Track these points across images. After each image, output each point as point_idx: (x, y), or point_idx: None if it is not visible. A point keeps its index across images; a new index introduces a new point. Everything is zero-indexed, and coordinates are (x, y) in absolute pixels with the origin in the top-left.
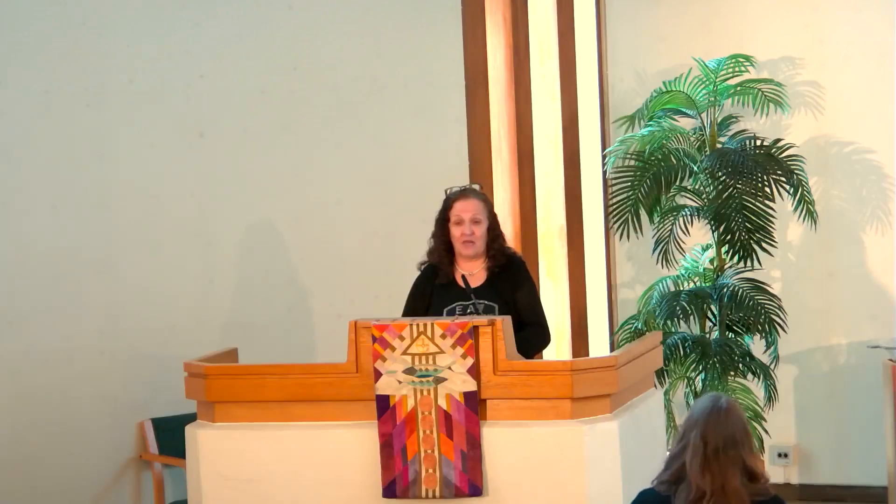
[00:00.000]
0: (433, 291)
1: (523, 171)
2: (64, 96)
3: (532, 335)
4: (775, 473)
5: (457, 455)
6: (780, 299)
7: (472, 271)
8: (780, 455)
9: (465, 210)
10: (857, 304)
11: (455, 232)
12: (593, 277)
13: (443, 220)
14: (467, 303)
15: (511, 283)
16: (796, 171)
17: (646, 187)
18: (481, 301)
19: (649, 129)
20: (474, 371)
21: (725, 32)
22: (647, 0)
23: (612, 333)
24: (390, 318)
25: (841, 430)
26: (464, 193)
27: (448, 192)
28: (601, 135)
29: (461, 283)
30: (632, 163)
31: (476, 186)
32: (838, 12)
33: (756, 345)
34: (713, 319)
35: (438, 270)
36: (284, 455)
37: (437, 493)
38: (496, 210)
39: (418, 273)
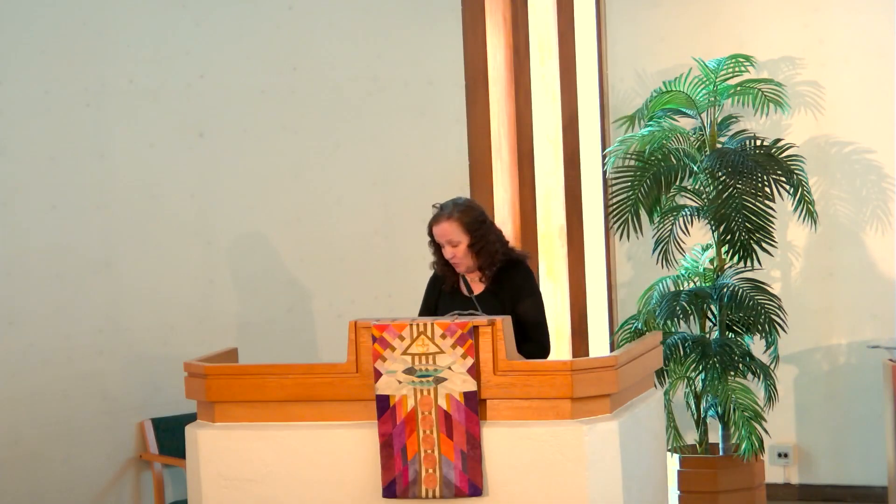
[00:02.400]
0: (440, 295)
1: (523, 171)
2: (64, 96)
3: (529, 353)
4: (775, 473)
5: (457, 455)
6: (780, 299)
7: (474, 278)
8: (780, 455)
9: (440, 235)
10: (857, 304)
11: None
12: (593, 277)
13: (432, 239)
14: (465, 312)
15: (511, 294)
16: (796, 171)
17: (646, 187)
18: (477, 312)
19: (649, 129)
20: (474, 371)
21: (725, 32)
22: (647, 0)
23: (612, 333)
24: (390, 318)
25: (841, 430)
26: (436, 218)
27: (434, 207)
28: (601, 135)
29: (464, 291)
30: (632, 163)
31: (455, 201)
32: (838, 12)
33: (756, 345)
34: (713, 319)
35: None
36: (284, 455)
37: (437, 493)
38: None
39: (432, 272)
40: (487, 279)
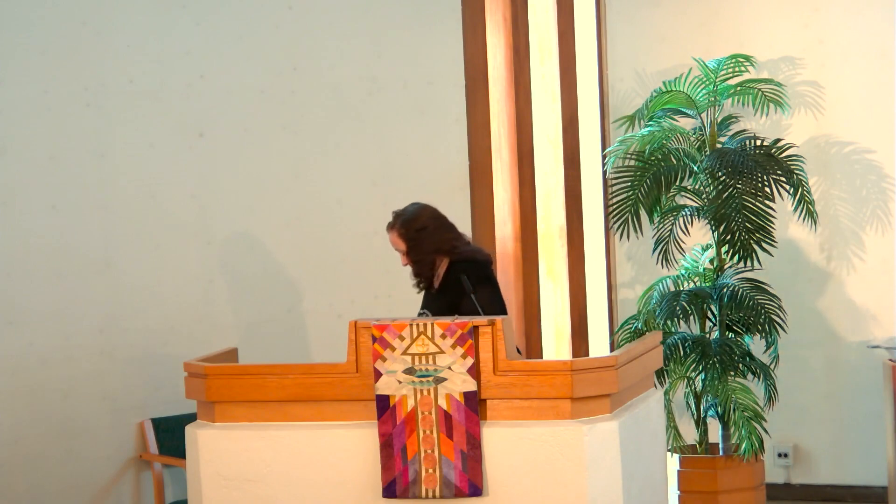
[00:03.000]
0: (426, 293)
1: (523, 170)
2: (63, 96)
3: None
4: (775, 473)
5: (457, 455)
6: (780, 299)
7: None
8: (780, 455)
9: (391, 243)
10: (857, 304)
11: None
12: (593, 277)
13: None
14: (422, 312)
15: (457, 290)
16: (796, 171)
17: (646, 187)
18: (424, 311)
19: (649, 129)
20: (474, 371)
21: (725, 32)
22: (647, 0)
23: (612, 333)
24: (390, 318)
25: (841, 430)
26: (386, 228)
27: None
28: (601, 135)
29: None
30: (632, 163)
31: (402, 210)
32: (838, 12)
33: (756, 345)
34: (713, 319)
35: None
36: (284, 455)
37: (437, 493)
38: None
39: None
40: (441, 279)
